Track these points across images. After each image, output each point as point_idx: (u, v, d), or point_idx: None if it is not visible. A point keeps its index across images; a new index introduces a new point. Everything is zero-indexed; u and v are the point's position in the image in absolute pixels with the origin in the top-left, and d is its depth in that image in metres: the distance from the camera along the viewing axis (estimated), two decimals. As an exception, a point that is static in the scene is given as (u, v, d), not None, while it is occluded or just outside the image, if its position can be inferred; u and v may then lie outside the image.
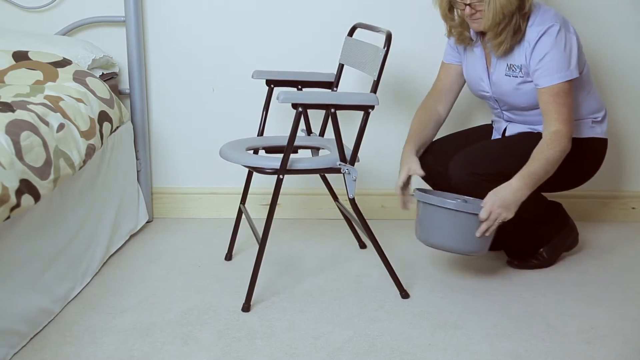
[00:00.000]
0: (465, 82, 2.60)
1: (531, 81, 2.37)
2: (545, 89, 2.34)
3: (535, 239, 2.57)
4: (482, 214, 2.26)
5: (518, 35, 2.36)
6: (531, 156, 2.30)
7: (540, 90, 2.35)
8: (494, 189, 2.28)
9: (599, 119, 2.52)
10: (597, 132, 2.51)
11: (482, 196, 2.38)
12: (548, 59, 2.32)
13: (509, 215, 2.26)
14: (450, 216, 2.26)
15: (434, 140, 2.61)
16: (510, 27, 2.34)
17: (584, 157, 2.49)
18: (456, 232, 2.27)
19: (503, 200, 2.25)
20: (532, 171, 2.28)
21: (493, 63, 2.45)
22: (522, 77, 2.39)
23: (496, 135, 2.60)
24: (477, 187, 2.38)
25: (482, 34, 2.43)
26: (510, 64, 2.41)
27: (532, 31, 2.34)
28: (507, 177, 2.36)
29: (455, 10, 2.44)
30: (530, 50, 2.34)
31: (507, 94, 2.45)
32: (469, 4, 2.33)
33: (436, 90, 2.61)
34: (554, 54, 2.32)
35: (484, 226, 2.26)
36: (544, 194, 2.57)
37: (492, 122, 2.67)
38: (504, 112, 2.54)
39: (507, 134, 2.54)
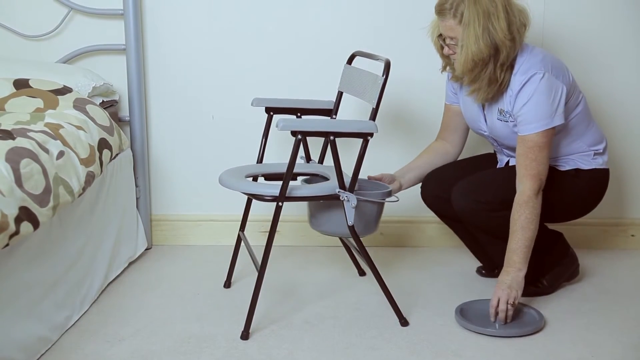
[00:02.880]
0: None
1: None
2: (521, 139, 2.34)
3: (536, 268, 2.54)
4: (492, 305, 2.29)
5: (494, 85, 2.35)
6: (509, 231, 2.32)
7: (518, 138, 2.35)
8: (498, 282, 2.31)
9: (601, 150, 2.52)
10: (599, 162, 2.51)
11: (486, 225, 2.39)
12: (528, 108, 2.31)
13: (516, 293, 2.28)
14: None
15: (436, 167, 2.61)
16: (485, 76, 2.33)
17: (588, 188, 2.49)
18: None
19: (505, 284, 2.29)
20: (514, 247, 2.31)
21: (487, 105, 2.46)
22: (513, 121, 2.39)
23: (500, 165, 2.60)
24: (480, 215, 2.38)
25: None
26: (501, 109, 2.41)
27: (516, 80, 2.34)
28: (510, 205, 2.36)
29: None
30: (514, 98, 2.34)
31: (503, 136, 2.45)
32: (447, 45, 2.35)
33: (443, 129, 2.65)
34: (535, 103, 2.30)
35: (501, 315, 2.28)
36: (545, 223, 2.56)
37: (494, 151, 2.68)
38: (503, 149, 2.54)
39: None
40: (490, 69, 2.32)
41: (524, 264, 2.31)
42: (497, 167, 2.60)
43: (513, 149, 2.48)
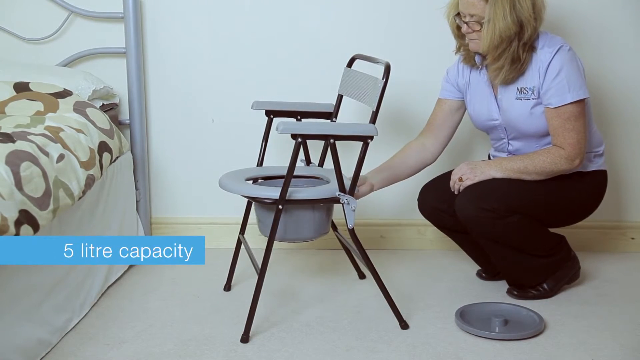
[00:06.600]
0: (459, 121, 2.60)
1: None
2: (554, 111, 2.35)
3: (538, 272, 2.54)
4: (454, 173, 2.48)
5: (516, 64, 2.37)
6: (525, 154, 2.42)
7: (550, 111, 2.36)
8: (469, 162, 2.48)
9: (600, 152, 2.53)
10: (598, 164, 2.52)
11: (491, 232, 2.38)
12: (561, 77, 2.34)
13: (470, 175, 2.41)
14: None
15: (433, 178, 2.61)
16: (509, 54, 2.36)
17: (589, 189, 2.49)
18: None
19: (474, 163, 2.44)
20: (514, 159, 2.42)
21: (501, 88, 2.46)
22: (535, 99, 2.40)
23: None
24: (486, 222, 2.37)
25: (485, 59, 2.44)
26: (522, 87, 2.41)
27: (545, 52, 2.37)
28: (516, 211, 2.36)
29: None
30: (545, 69, 2.36)
31: (518, 119, 2.44)
32: (467, 22, 2.36)
33: (428, 124, 2.63)
34: (568, 71, 2.35)
35: (451, 184, 2.47)
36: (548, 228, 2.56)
37: (489, 157, 2.67)
38: (510, 141, 2.53)
39: None
40: (514, 47, 2.35)
41: (502, 172, 2.40)
42: None
43: (524, 137, 2.48)
